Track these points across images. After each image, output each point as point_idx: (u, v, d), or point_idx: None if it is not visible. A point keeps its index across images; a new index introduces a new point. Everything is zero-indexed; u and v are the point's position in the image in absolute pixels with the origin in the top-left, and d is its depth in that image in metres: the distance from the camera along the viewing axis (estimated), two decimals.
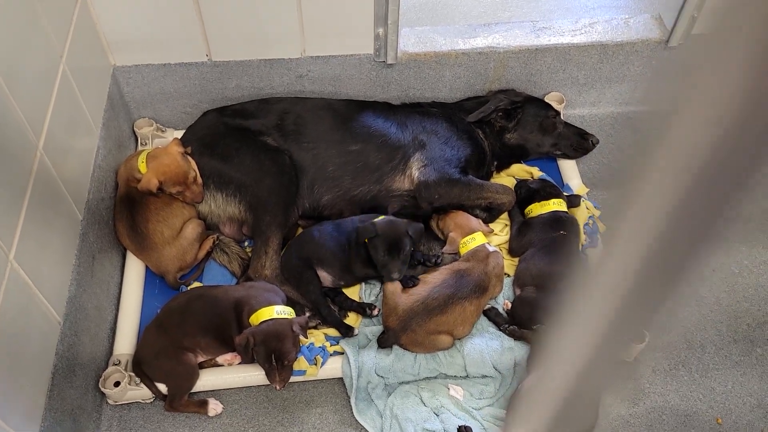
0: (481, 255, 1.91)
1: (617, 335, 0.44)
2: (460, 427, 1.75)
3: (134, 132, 2.28)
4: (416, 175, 2.05)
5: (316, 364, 1.83)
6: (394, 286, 1.86)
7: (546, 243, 1.99)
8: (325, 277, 1.94)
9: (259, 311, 1.74)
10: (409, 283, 1.86)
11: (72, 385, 1.62)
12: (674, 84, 0.33)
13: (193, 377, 1.79)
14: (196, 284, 1.99)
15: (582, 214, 2.14)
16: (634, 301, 0.41)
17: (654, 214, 0.35)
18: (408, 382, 1.85)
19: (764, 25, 0.28)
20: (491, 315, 1.92)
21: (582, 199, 2.17)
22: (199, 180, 1.98)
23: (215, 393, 1.85)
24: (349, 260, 1.91)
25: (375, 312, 1.90)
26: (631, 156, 0.35)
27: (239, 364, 1.84)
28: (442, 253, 2.01)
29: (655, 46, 2.28)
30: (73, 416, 1.62)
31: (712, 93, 0.31)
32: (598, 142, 2.25)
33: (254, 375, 1.82)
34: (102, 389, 1.75)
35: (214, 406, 1.81)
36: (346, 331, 1.88)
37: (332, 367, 1.85)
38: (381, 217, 1.93)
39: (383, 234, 1.85)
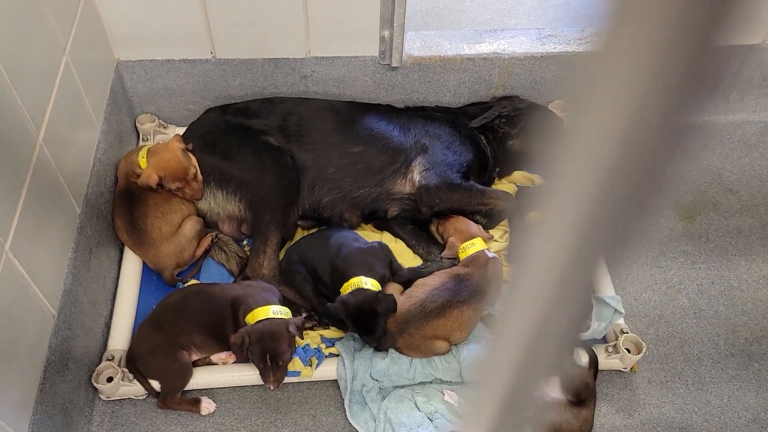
0: (480, 261, 1.90)
1: (550, 324, 0.44)
2: None
3: (136, 127, 2.28)
4: (417, 178, 2.05)
5: (311, 366, 1.82)
6: (393, 288, 1.85)
7: None
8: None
9: (256, 310, 1.73)
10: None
11: (64, 379, 1.61)
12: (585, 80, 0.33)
13: (187, 375, 1.78)
14: (192, 281, 1.98)
15: None
16: (564, 291, 0.41)
17: (576, 202, 0.36)
18: (403, 387, 1.84)
19: (651, 43, 0.28)
20: (489, 322, 1.91)
21: None
22: (200, 177, 1.97)
23: (209, 392, 1.84)
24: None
25: None
26: (553, 147, 0.36)
27: (234, 363, 1.83)
28: (441, 257, 2.00)
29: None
30: (65, 410, 1.61)
31: (603, 110, 0.32)
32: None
33: (248, 375, 1.81)
34: (95, 384, 1.74)
35: (207, 405, 1.80)
36: (344, 327, 1.87)
37: (327, 369, 1.84)
38: (350, 290, 1.79)
39: (352, 317, 1.77)
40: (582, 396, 1.69)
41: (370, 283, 1.79)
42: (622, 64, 0.30)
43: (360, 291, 1.78)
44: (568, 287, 0.40)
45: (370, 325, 1.77)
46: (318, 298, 1.91)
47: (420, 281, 1.87)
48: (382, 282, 1.85)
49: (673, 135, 0.31)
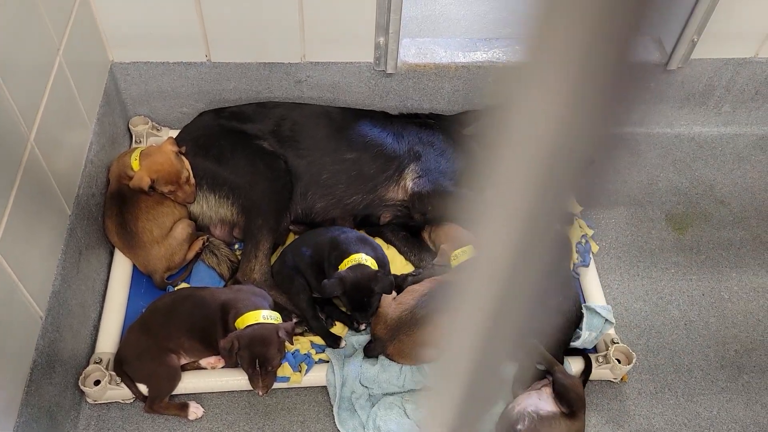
0: None
1: (499, 318, 0.45)
2: None
3: (129, 129, 2.27)
4: (410, 185, 2.05)
5: (300, 372, 1.81)
6: (385, 295, 1.85)
7: None
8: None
9: (246, 315, 1.72)
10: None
11: (51, 381, 1.60)
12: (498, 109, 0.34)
13: (175, 379, 1.76)
14: (183, 285, 1.97)
15: (575, 232, 2.14)
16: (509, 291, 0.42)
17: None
18: (392, 394, 1.83)
19: (578, 53, 0.29)
20: None
21: (575, 217, 2.17)
22: (192, 180, 1.96)
23: (197, 396, 1.83)
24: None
25: (362, 327, 1.87)
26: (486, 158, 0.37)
27: (222, 367, 1.82)
28: (433, 264, 2.00)
29: (653, 68, 2.28)
30: (51, 413, 1.59)
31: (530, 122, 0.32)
32: (593, 161, 2.25)
33: (237, 380, 1.80)
34: (82, 387, 1.73)
35: (195, 410, 1.78)
36: (333, 342, 1.86)
37: (316, 375, 1.83)
38: (349, 265, 1.80)
39: (349, 294, 1.79)
40: (574, 407, 1.69)
41: (370, 262, 1.80)
42: (547, 74, 0.31)
43: (360, 267, 1.79)
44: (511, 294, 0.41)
45: (365, 304, 1.78)
46: (312, 309, 1.89)
47: (411, 288, 1.87)
48: (381, 265, 1.84)
49: (601, 145, 0.32)
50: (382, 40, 2.10)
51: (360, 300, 1.78)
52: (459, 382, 0.50)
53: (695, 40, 2.19)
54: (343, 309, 1.94)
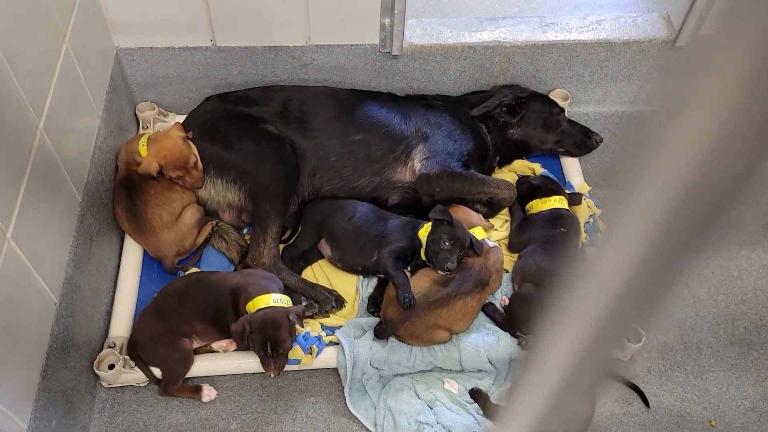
0: None
1: (610, 332, 0.44)
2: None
3: (136, 115, 2.27)
4: (418, 167, 2.04)
5: (311, 354, 1.82)
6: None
7: (546, 240, 1.98)
8: (327, 252, 1.99)
9: (256, 299, 1.73)
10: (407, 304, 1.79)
11: (66, 366, 1.62)
12: (677, 84, 0.32)
13: (188, 363, 1.78)
14: (193, 270, 1.99)
15: (583, 212, 2.13)
16: (628, 300, 0.41)
17: (652, 213, 0.35)
18: (403, 375, 1.85)
19: (765, 27, 0.28)
20: (489, 311, 1.91)
21: (584, 197, 2.17)
22: (200, 165, 1.97)
23: (209, 379, 1.85)
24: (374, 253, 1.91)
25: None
26: (632, 155, 0.35)
27: (234, 351, 1.84)
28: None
29: (662, 45, 2.26)
30: (67, 397, 1.62)
31: (712, 95, 0.31)
32: (602, 141, 2.24)
33: (249, 362, 1.82)
34: (96, 371, 1.75)
35: (208, 392, 1.81)
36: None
37: (327, 357, 1.85)
38: (442, 207, 1.89)
39: (454, 227, 1.83)
40: None
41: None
42: (722, 65, 0.30)
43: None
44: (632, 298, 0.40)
45: (463, 242, 1.82)
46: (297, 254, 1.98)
47: (423, 271, 1.88)
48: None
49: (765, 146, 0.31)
50: (387, 21, 2.09)
51: (457, 238, 1.81)
52: (552, 383, 0.50)
53: (703, 16, 2.16)
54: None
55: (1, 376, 1.33)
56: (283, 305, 1.74)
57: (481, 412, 1.79)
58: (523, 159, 2.30)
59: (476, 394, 1.80)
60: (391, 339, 1.85)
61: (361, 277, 2.01)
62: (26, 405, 1.42)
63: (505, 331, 1.88)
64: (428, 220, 1.94)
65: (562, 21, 2.29)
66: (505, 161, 2.28)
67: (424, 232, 1.87)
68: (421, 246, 1.86)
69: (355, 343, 1.85)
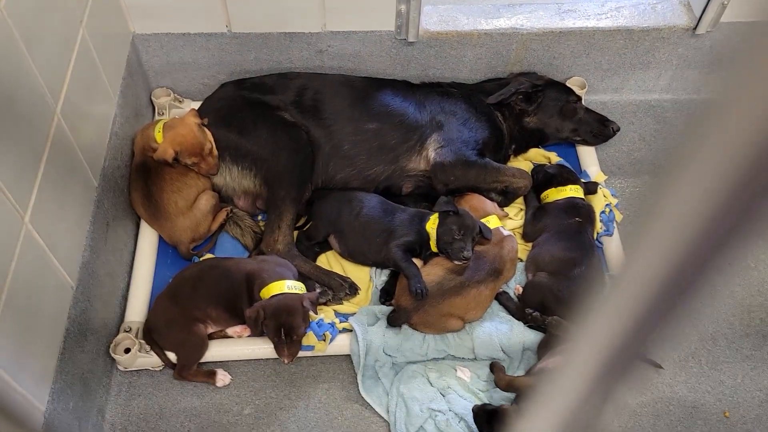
0: (496, 238, 1.89)
1: (637, 340, 0.43)
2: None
3: (152, 101, 2.28)
4: (432, 156, 2.04)
5: (324, 340, 1.83)
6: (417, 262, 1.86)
7: (560, 229, 1.97)
8: (336, 247, 1.99)
9: (270, 285, 1.74)
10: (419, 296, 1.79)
11: (83, 349, 1.64)
12: (725, 74, 0.31)
13: (203, 348, 1.80)
14: (208, 256, 2.00)
15: (599, 201, 2.12)
16: (666, 299, 0.40)
17: (693, 208, 0.34)
18: (416, 362, 1.85)
19: None
20: (502, 299, 1.91)
21: (599, 186, 2.15)
22: (215, 152, 1.97)
23: (224, 364, 1.86)
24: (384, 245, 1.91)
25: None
26: (677, 145, 0.34)
27: (248, 336, 1.85)
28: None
29: (682, 33, 2.23)
30: (84, 380, 1.64)
31: (760, 85, 0.30)
32: (618, 130, 2.22)
33: (263, 348, 1.83)
34: (112, 355, 1.77)
35: (222, 377, 1.82)
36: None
37: (340, 344, 1.86)
38: (446, 199, 1.89)
39: (461, 216, 1.83)
40: None
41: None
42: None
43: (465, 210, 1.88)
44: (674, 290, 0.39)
45: (472, 231, 1.82)
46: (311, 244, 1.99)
47: (437, 260, 1.87)
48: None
49: None
50: (403, 7, 2.07)
51: (467, 226, 1.82)
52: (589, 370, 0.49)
53: (725, 2, 2.12)
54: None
55: (19, 359, 1.35)
56: (297, 292, 1.75)
57: (493, 400, 1.79)
58: (538, 147, 2.28)
59: (493, 366, 1.81)
60: (405, 327, 1.85)
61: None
62: (44, 388, 1.45)
63: (518, 320, 1.88)
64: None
65: (581, 8, 2.26)
66: (521, 150, 2.27)
67: (430, 224, 1.86)
68: (429, 238, 1.86)
69: (369, 330, 1.85)
